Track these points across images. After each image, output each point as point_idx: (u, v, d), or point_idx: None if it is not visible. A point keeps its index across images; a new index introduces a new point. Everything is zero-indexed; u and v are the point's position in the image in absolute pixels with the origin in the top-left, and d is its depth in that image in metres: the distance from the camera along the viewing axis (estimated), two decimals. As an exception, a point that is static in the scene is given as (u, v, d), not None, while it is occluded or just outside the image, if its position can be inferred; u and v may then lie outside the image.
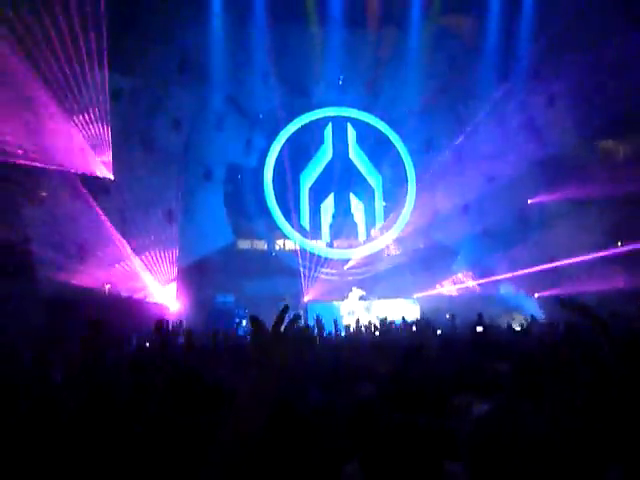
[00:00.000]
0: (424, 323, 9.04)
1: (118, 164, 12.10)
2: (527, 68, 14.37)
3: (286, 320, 1.30)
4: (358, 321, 8.30)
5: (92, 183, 11.47)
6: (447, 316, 11.69)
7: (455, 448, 2.13)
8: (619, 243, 13.57)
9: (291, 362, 1.25)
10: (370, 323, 8.84)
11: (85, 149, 11.15)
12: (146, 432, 2.24)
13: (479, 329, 5.86)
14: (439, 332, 8.73)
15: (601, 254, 13.13)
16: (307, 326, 8.44)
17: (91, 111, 11.02)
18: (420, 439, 1.99)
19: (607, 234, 13.78)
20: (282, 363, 1.22)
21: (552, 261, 13.51)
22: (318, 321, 6.82)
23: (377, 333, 8.02)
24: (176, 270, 13.45)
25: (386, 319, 8.58)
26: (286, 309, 1.30)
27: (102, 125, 11.28)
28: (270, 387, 1.19)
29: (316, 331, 6.83)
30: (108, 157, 11.63)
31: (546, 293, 13.90)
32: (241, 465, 1.16)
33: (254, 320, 1.27)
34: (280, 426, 2.40)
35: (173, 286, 13.45)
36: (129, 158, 12.42)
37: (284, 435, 2.35)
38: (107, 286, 11.68)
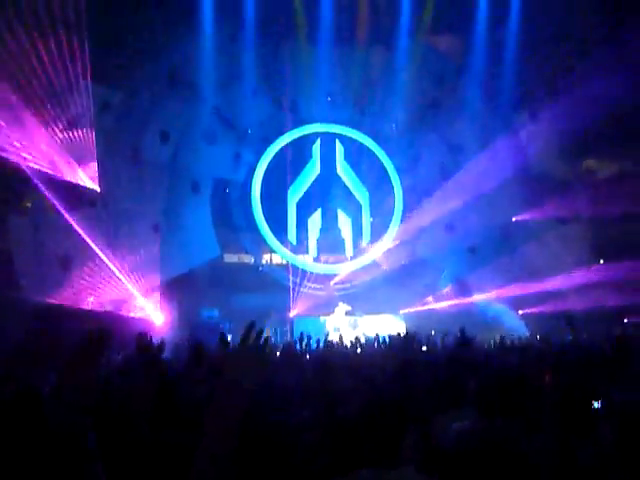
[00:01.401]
0: (410, 340, 9.07)
1: (105, 176, 12.05)
2: (513, 87, 14.65)
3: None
4: (341, 338, 8.31)
5: (78, 194, 11.40)
6: (432, 332, 11.75)
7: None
8: (601, 261, 13.79)
9: (256, 377, 1.26)
10: (356, 339, 8.85)
11: (70, 161, 11.09)
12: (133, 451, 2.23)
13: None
14: (424, 348, 8.77)
15: (585, 272, 13.34)
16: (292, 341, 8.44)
17: (77, 123, 11.00)
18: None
19: (590, 252, 14.00)
20: (247, 378, 1.23)
21: (536, 278, 13.65)
22: (301, 339, 6.80)
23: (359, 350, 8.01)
24: (162, 283, 13.35)
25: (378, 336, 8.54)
26: (253, 325, 1.30)
27: (87, 137, 11.25)
28: (235, 402, 1.20)
29: (299, 347, 6.84)
30: (94, 169, 11.58)
31: (530, 310, 14.04)
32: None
33: (222, 338, 1.29)
34: (257, 444, 2.40)
35: (158, 300, 13.33)
36: (116, 170, 12.38)
37: (261, 453, 2.35)
38: (90, 299, 11.56)
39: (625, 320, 12.66)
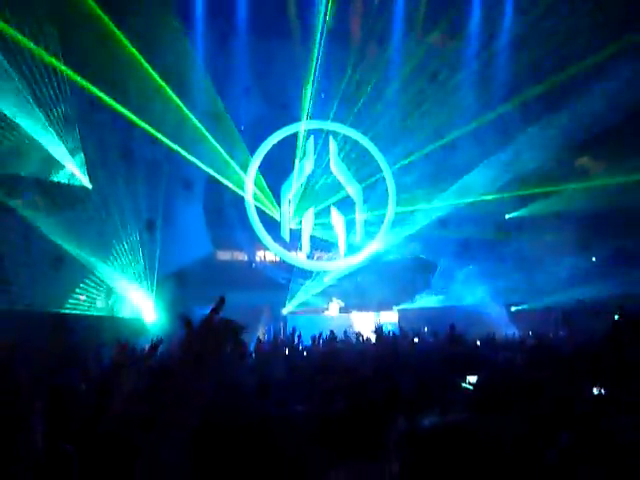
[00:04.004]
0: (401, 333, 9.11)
1: (96, 174, 11.98)
2: (506, 83, 14.65)
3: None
4: (332, 333, 8.31)
5: (68, 192, 11.31)
6: (425, 329, 11.78)
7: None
8: (593, 258, 13.85)
9: (225, 349, 1.23)
10: (346, 334, 8.85)
11: (58, 158, 10.98)
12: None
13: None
14: (416, 340, 8.80)
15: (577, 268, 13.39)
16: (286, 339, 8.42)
17: (65, 120, 10.89)
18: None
19: (583, 248, 14.07)
20: (212, 351, 1.20)
21: (529, 274, 13.70)
22: (293, 334, 6.80)
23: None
24: (154, 281, 13.30)
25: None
26: (223, 301, 1.27)
27: (75, 134, 11.15)
28: (200, 377, 1.17)
29: (292, 342, 6.84)
30: (82, 166, 11.49)
31: (522, 307, 14.09)
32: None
33: (185, 319, 1.25)
34: (248, 438, 2.38)
35: (152, 298, 13.27)
36: (108, 168, 12.31)
37: (252, 447, 2.34)
38: (82, 297, 11.49)
39: (616, 317, 12.71)
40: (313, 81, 14.91)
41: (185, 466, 1.15)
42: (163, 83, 13.03)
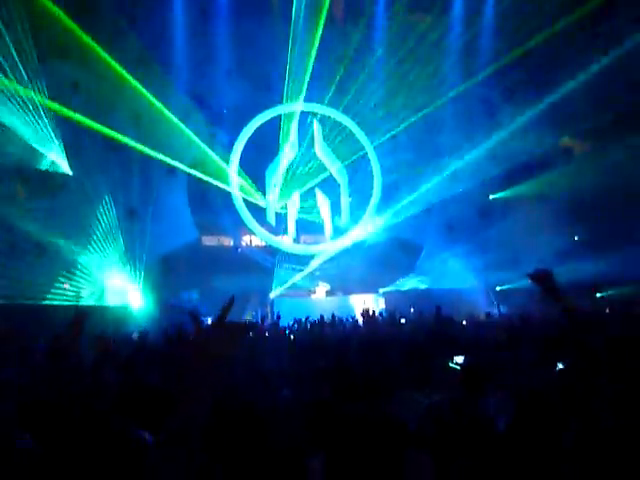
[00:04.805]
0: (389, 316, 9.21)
1: (78, 160, 11.76)
2: (490, 64, 14.60)
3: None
4: (322, 317, 8.36)
5: (49, 179, 11.12)
6: (411, 310, 11.92)
7: (408, 436, 2.19)
8: (576, 237, 14.03)
9: (231, 351, 1.25)
10: (334, 317, 8.91)
11: (37, 145, 10.75)
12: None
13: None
14: (403, 321, 8.90)
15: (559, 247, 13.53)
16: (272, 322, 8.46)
17: (43, 105, 10.65)
18: (378, 429, 2.03)
19: (565, 228, 14.23)
20: (224, 351, 1.22)
21: (513, 255, 13.84)
22: (279, 319, 6.83)
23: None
24: (140, 268, 13.20)
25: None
26: (232, 301, 1.30)
27: (54, 120, 10.92)
28: (212, 374, 1.19)
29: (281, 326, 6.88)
30: (62, 153, 11.28)
31: (507, 286, 14.26)
32: (191, 454, 1.15)
33: (194, 316, 1.27)
34: (237, 422, 2.40)
35: (138, 284, 13.18)
36: (89, 154, 12.08)
37: (241, 431, 2.36)
38: (65, 285, 11.36)
39: (598, 295, 12.97)
40: (294, 63, 14.71)
41: (197, 458, 1.17)
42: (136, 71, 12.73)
